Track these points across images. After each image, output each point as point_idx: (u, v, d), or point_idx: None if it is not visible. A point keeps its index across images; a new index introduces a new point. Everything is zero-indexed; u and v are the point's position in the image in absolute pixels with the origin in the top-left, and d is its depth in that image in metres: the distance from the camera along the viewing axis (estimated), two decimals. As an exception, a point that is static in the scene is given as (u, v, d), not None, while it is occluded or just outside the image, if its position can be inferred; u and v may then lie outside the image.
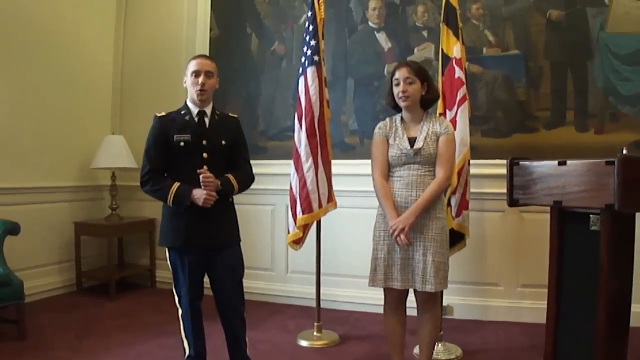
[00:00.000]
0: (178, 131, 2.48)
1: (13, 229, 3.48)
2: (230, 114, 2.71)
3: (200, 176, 2.38)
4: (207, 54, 4.63)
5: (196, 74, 2.49)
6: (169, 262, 2.56)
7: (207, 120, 2.54)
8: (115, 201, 4.63)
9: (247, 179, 2.66)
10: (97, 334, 3.47)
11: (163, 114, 2.56)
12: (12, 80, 4.10)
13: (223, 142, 2.53)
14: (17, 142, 4.15)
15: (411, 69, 2.53)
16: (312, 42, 3.36)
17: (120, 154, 4.50)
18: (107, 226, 4.48)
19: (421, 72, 2.54)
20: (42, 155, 4.35)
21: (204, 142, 2.49)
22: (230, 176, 2.53)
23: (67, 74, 4.55)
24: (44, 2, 4.34)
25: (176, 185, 2.44)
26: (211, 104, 2.59)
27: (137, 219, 4.79)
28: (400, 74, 2.53)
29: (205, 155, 2.48)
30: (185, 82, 2.56)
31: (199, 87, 2.47)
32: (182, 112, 2.54)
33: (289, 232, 3.49)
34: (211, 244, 2.50)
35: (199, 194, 2.39)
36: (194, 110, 2.53)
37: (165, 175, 2.52)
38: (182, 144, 2.46)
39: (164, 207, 2.54)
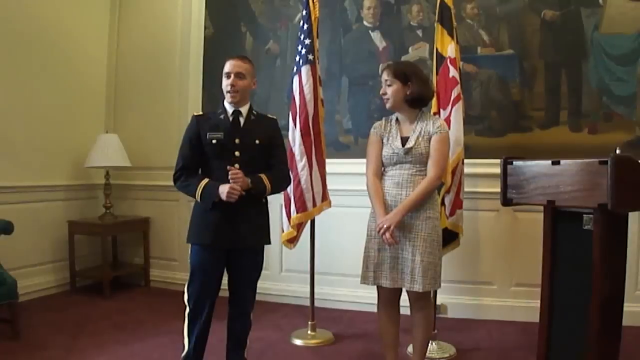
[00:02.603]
0: (211, 129, 2.51)
1: (6, 228, 3.45)
2: (269, 115, 2.71)
3: (230, 172, 2.39)
4: (202, 52, 4.65)
5: (227, 75, 2.52)
6: (189, 260, 2.56)
7: (242, 120, 2.55)
8: (109, 200, 4.60)
9: (282, 180, 2.63)
10: (91, 333, 3.46)
11: (200, 113, 2.64)
12: (5, 79, 4.07)
13: (257, 141, 2.52)
14: (11, 141, 4.12)
15: (390, 71, 2.55)
16: (307, 41, 3.36)
17: (114, 152, 4.48)
18: (101, 225, 4.46)
19: (401, 74, 2.52)
20: (36, 154, 4.32)
21: (237, 140, 2.49)
22: (263, 175, 2.50)
23: (60, 72, 4.53)
24: (37, 0, 4.30)
25: (205, 181, 2.46)
26: (248, 104, 2.60)
27: (131, 217, 4.78)
28: (382, 76, 2.58)
29: (237, 153, 2.48)
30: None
31: (229, 88, 2.50)
32: (218, 112, 2.59)
33: (283, 231, 3.49)
34: (236, 244, 2.49)
35: (223, 188, 2.38)
36: (230, 109, 2.56)
37: (200, 172, 2.55)
38: (214, 141, 2.48)
39: (195, 205, 2.55)
